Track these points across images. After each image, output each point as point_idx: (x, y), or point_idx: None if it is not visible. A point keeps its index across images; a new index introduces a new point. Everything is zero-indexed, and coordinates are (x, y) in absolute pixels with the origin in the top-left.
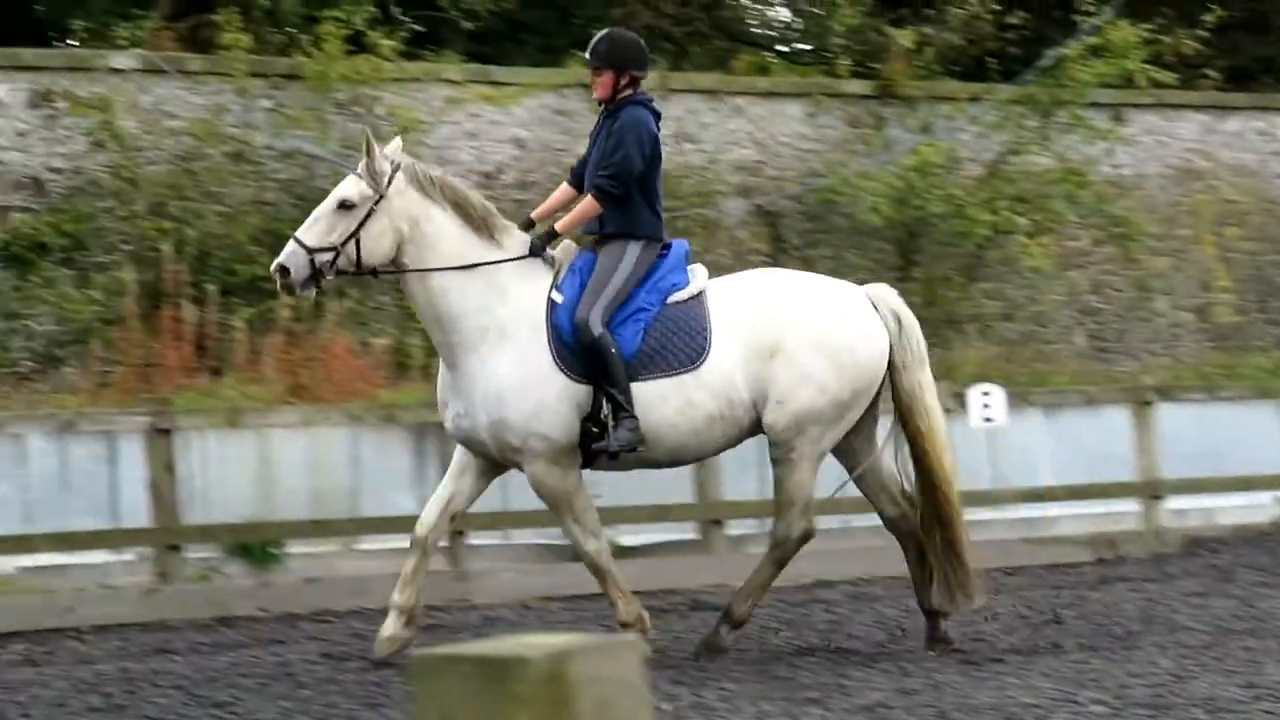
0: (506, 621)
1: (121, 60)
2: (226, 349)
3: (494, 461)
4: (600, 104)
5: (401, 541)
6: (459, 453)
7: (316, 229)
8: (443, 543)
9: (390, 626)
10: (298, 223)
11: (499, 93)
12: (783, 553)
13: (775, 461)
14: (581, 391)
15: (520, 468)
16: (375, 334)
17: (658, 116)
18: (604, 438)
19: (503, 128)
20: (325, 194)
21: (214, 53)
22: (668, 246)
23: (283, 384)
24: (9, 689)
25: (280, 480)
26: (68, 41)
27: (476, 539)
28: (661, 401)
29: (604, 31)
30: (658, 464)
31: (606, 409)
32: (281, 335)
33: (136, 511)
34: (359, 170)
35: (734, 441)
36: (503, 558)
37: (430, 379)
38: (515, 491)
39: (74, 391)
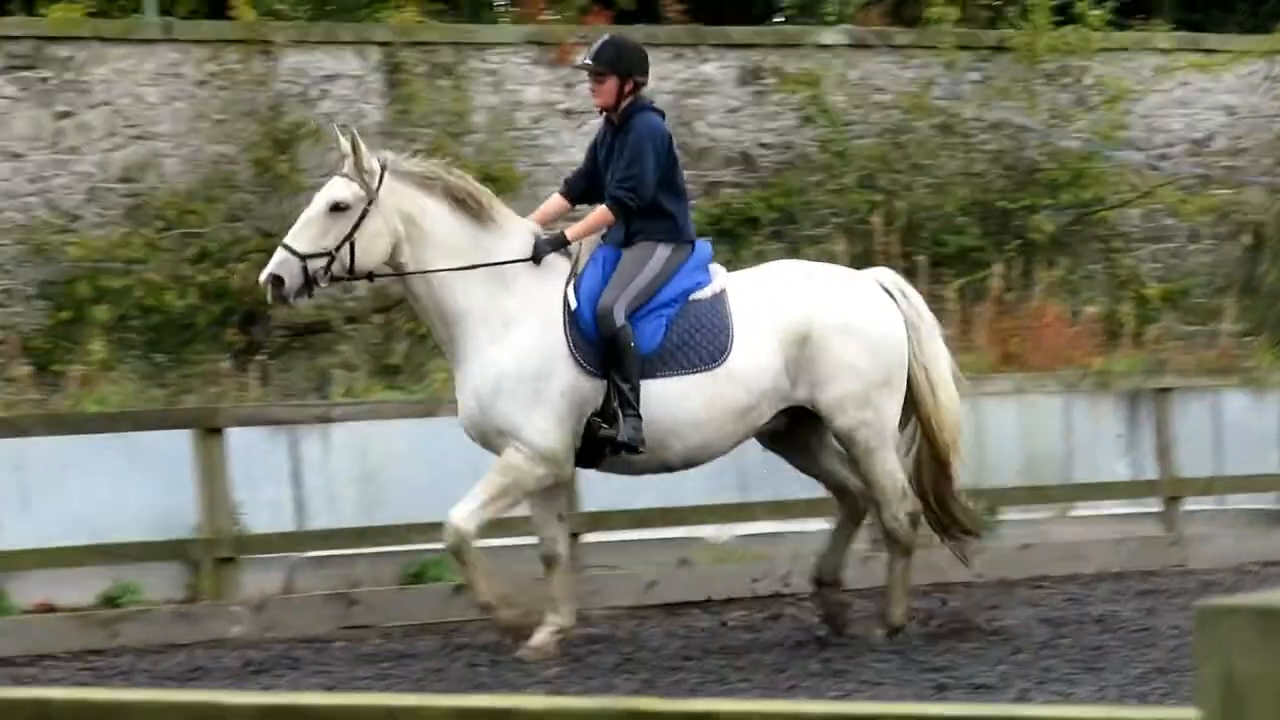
0: (1222, 586)
1: (830, 36)
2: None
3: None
4: (601, 111)
5: (1116, 508)
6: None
7: (308, 234)
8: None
9: (542, 635)
10: (1005, 194)
11: (1209, 60)
12: (905, 542)
13: (852, 459)
14: (592, 385)
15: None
16: (1086, 302)
17: (662, 117)
18: (612, 430)
19: (1212, 95)
20: (1033, 164)
21: (921, 26)
22: (692, 246)
23: (994, 353)
24: (730, 653)
25: (993, 447)
26: (775, 19)
27: (1192, 504)
28: (684, 399)
29: (605, 37)
30: (670, 466)
31: (615, 402)
32: (992, 305)
33: None
34: (346, 170)
35: (748, 436)
36: (1218, 523)
37: (1142, 346)
38: (1229, 456)
39: None
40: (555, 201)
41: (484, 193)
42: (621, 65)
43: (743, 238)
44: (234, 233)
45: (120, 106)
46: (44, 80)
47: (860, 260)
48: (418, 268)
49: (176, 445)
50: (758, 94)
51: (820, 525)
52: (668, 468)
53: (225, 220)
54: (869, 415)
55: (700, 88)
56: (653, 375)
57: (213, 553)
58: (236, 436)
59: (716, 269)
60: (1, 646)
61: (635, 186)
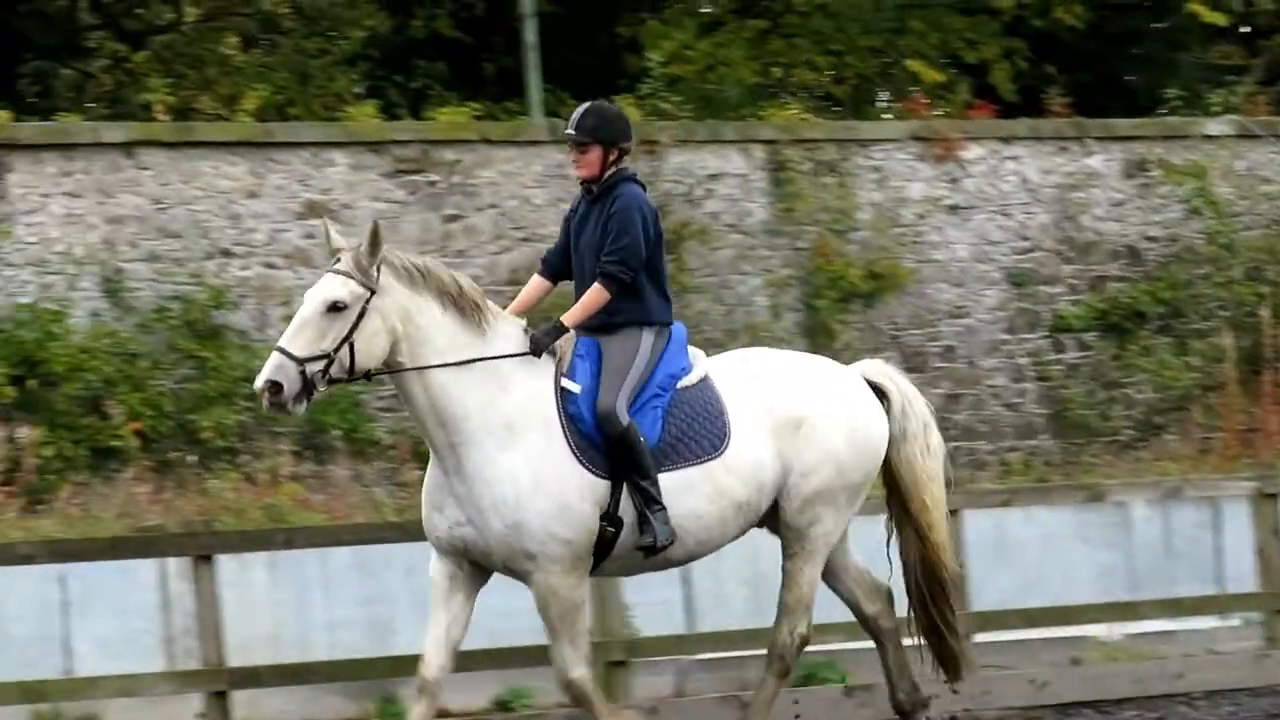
0: None
1: (1215, 127)
2: None
3: (482, 576)
4: (584, 183)
5: None
6: (441, 575)
7: (304, 336)
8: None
9: None
10: None
11: None
12: (786, 663)
13: (789, 556)
14: (601, 487)
15: (525, 579)
16: None
17: (644, 189)
18: (637, 534)
19: None
20: None
21: None
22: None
23: None
24: None
25: None
26: (1160, 111)
27: None
28: (688, 491)
29: (586, 105)
30: (670, 563)
31: (637, 502)
32: None
33: (1242, 576)
34: (343, 268)
35: (743, 532)
36: None
37: None
38: None
39: (1175, 459)
40: (536, 284)
41: (476, 289)
42: (605, 134)
43: (1129, 332)
44: None
45: (507, 209)
46: (432, 184)
47: (1249, 354)
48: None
49: None
50: (1143, 186)
51: (1211, 623)
52: (669, 565)
53: None
54: (830, 519)
55: (1085, 180)
56: (658, 469)
57: (605, 656)
58: None
59: (695, 353)
60: None
61: (626, 259)
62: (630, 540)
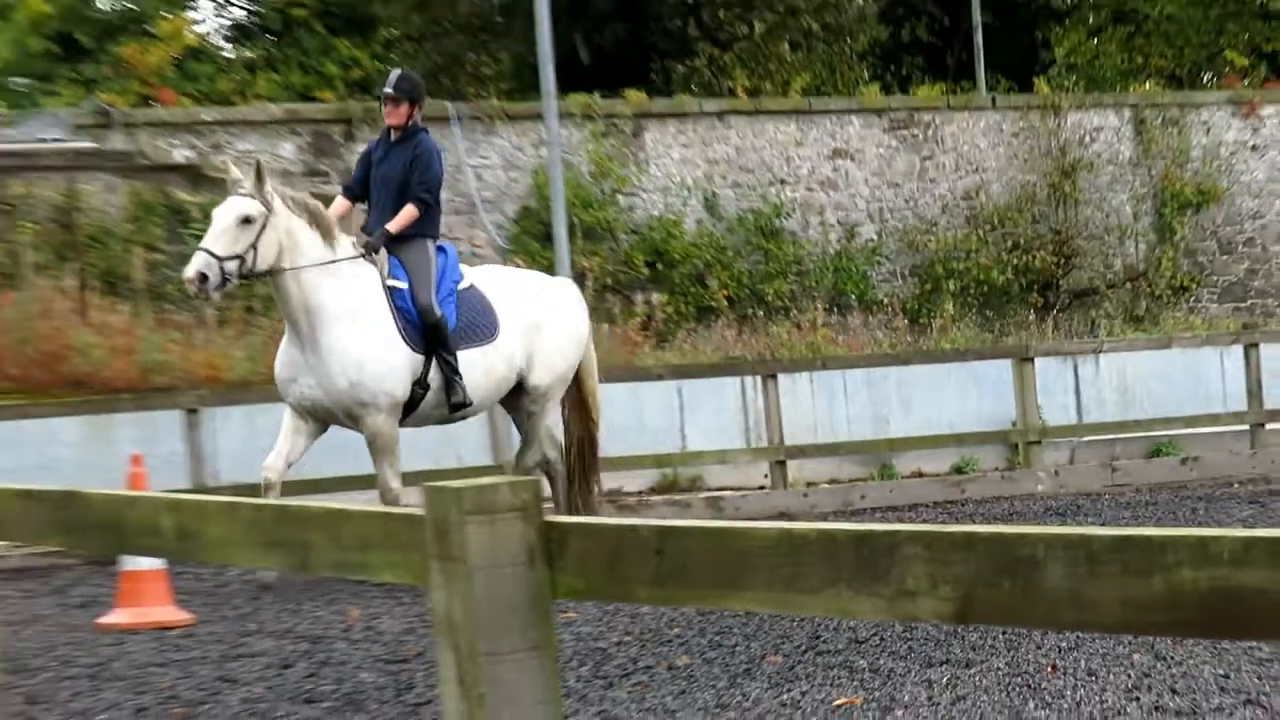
0: None
1: None
2: None
3: (321, 427)
4: (391, 130)
5: None
6: (291, 418)
7: (224, 240)
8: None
9: None
10: None
11: None
12: (547, 470)
13: (530, 413)
14: (417, 360)
15: (356, 426)
16: None
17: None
18: (443, 396)
19: None
20: None
21: None
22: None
23: None
24: None
25: None
26: None
27: None
28: (472, 366)
29: (399, 70)
30: (459, 418)
31: (446, 371)
32: None
33: None
34: (246, 192)
35: (494, 402)
36: None
37: None
38: None
39: None
40: (341, 204)
41: (328, 215)
42: (414, 94)
43: None
44: (1035, 231)
45: (963, 152)
46: (914, 135)
47: None
48: (293, 269)
49: (1001, 370)
50: None
51: None
52: (459, 419)
53: (1030, 223)
54: (555, 389)
55: None
56: (456, 348)
57: (1024, 438)
58: (1040, 364)
59: (465, 268)
60: (891, 499)
61: (431, 188)
62: (434, 400)
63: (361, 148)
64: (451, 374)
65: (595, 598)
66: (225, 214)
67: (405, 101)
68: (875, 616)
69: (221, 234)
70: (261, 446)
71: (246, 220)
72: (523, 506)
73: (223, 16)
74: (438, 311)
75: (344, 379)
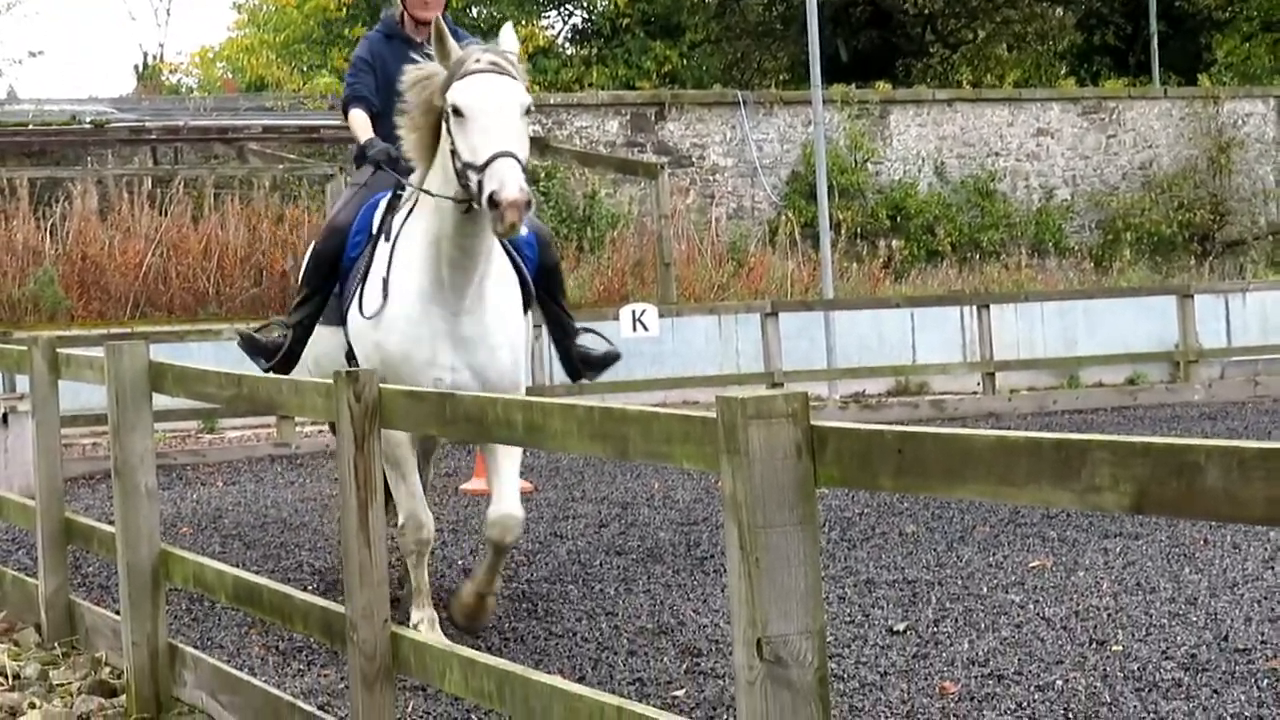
0: None
1: None
2: None
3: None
4: (416, 24)
5: None
6: (408, 444)
7: (523, 140)
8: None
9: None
10: None
11: None
12: None
13: None
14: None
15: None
16: None
17: None
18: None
19: None
20: None
21: None
22: None
23: None
24: None
25: None
26: None
27: None
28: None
29: None
30: None
31: (557, 334)
32: None
33: None
34: (514, 72)
35: None
36: None
37: None
38: None
39: None
40: (367, 120)
41: None
42: None
43: None
44: (1196, 195)
45: (1140, 132)
46: (1101, 119)
47: None
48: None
49: (1166, 304)
50: None
51: None
52: None
53: (1192, 188)
54: None
55: None
56: None
57: (1185, 358)
58: (1198, 299)
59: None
60: (1077, 404)
61: None
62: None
63: (672, 127)
64: (564, 335)
65: (849, 485)
66: (510, 99)
67: None
68: (1069, 506)
69: (517, 130)
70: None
71: (528, 111)
72: (793, 413)
73: (565, 22)
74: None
75: (509, 352)
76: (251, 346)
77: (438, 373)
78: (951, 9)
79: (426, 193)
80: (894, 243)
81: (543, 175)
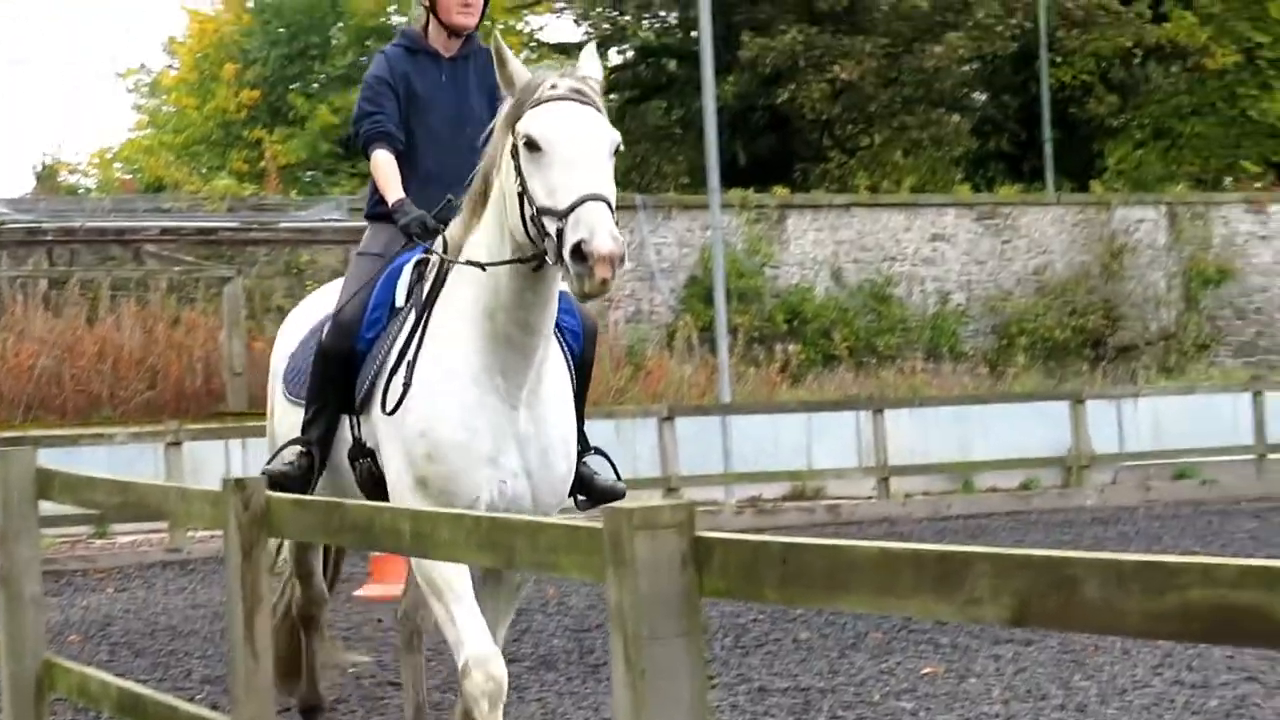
0: None
1: None
2: None
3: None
4: (448, 33)
5: None
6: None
7: (613, 186)
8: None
9: None
10: None
11: None
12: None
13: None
14: None
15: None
16: None
17: None
18: None
19: None
20: None
21: None
22: None
23: None
24: None
25: None
26: None
27: None
28: None
29: None
30: None
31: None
32: None
33: None
34: (598, 104)
35: None
36: None
37: None
38: None
39: None
40: (393, 160)
41: None
42: None
43: None
44: (1089, 300)
45: (1034, 237)
46: (996, 224)
47: None
48: None
49: (1060, 409)
50: None
51: None
52: None
53: (1085, 294)
54: None
55: None
56: None
57: (1078, 463)
58: (1090, 405)
59: None
60: (971, 509)
61: None
62: None
63: None
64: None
65: (734, 596)
66: (597, 133)
67: None
68: (950, 619)
69: (606, 171)
70: None
71: (616, 153)
72: (679, 523)
73: None
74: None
75: (564, 461)
76: (283, 489)
77: (502, 475)
78: (849, 115)
79: (477, 266)
80: (790, 347)
81: None
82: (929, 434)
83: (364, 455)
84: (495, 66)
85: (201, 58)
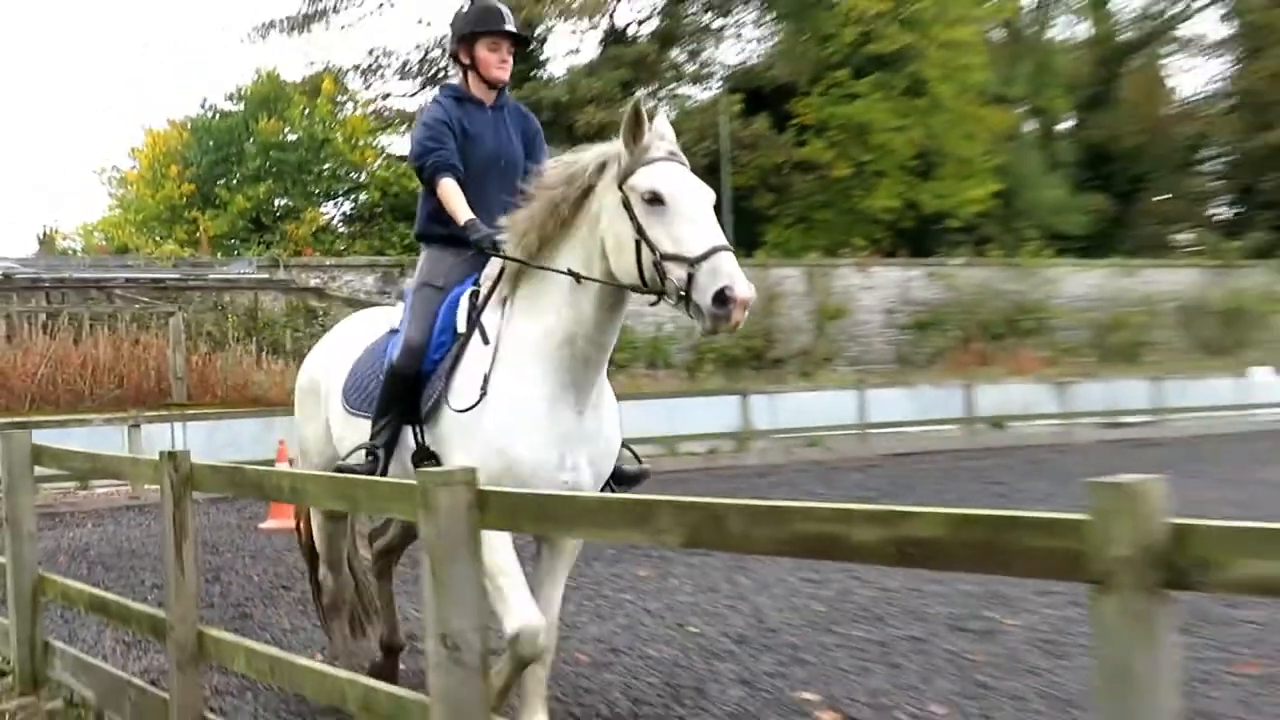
0: None
1: None
2: None
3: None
4: (488, 85)
5: None
6: (510, 547)
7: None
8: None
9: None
10: None
11: None
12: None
13: None
14: None
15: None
16: None
17: None
18: None
19: None
20: None
21: None
22: None
23: None
24: None
25: None
26: None
27: None
28: None
29: (496, 3)
30: None
31: None
32: None
33: None
34: (683, 159)
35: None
36: None
37: None
38: None
39: None
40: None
41: None
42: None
43: None
44: (755, 329)
45: None
46: None
47: None
48: None
49: (734, 400)
50: None
51: None
52: None
53: (751, 325)
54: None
55: None
56: None
57: (745, 436)
58: (753, 398)
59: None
60: (676, 466)
61: None
62: None
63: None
64: None
65: (505, 529)
66: (707, 192)
67: (514, 44)
68: (646, 544)
69: (718, 224)
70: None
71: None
72: (467, 481)
73: (338, 209)
74: None
75: (615, 455)
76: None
77: (565, 475)
78: None
79: (622, 286)
80: None
81: (320, 313)
82: (650, 418)
83: (428, 459)
84: (631, 124)
85: (155, 161)
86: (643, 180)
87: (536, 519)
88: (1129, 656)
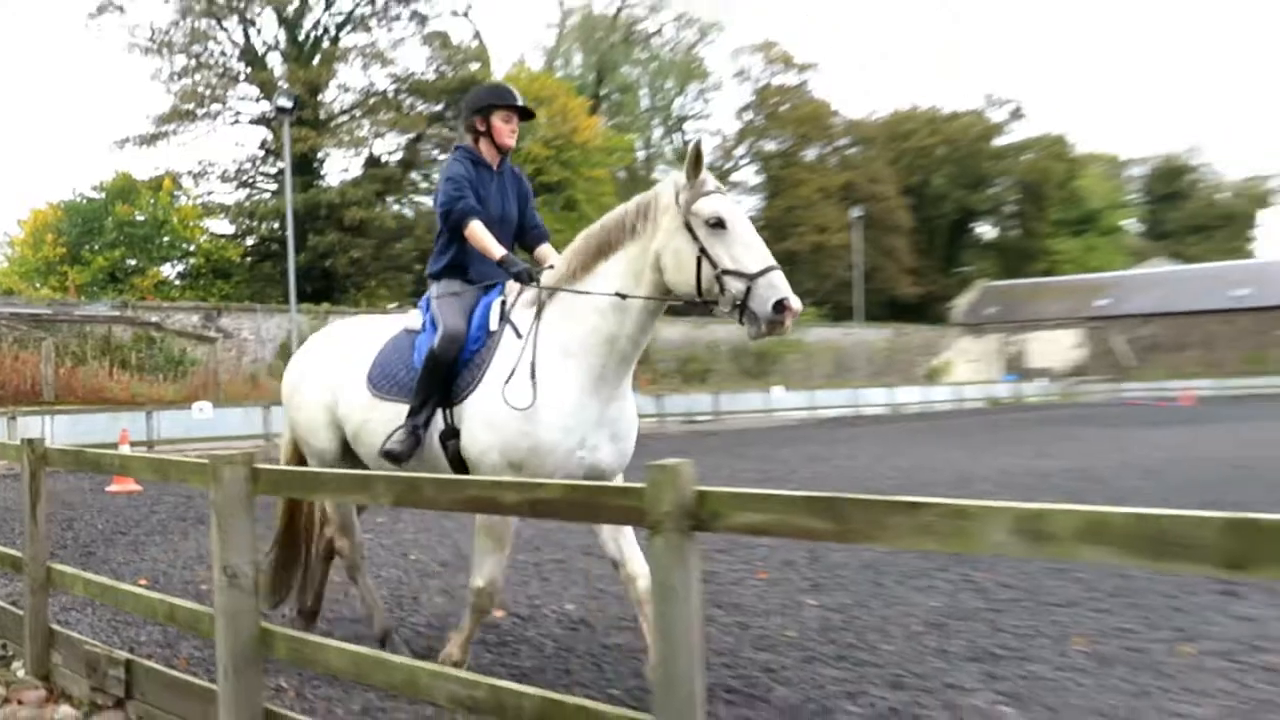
0: None
1: None
2: None
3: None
4: (497, 150)
5: None
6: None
7: None
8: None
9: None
10: None
11: None
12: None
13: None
14: None
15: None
16: None
17: None
18: None
19: None
20: None
21: None
22: None
23: None
24: None
25: None
26: None
27: None
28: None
29: (506, 83)
30: None
31: None
32: None
33: None
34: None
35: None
36: None
37: None
38: None
39: None
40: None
41: None
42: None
43: None
44: None
45: None
46: None
47: None
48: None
49: None
50: None
51: None
52: None
53: None
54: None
55: None
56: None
57: None
58: None
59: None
60: None
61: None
62: None
63: (225, 321)
64: None
65: (273, 495)
66: (746, 220)
67: (521, 117)
68: (370, 502)
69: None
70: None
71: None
72: (245, 461)
73: (174, 268)
74: None
75: (634, 436)
76: (394, 460)
77: (581, 453)
78: (377, 265)
79: (667, 299)
80: None
81: (158, 340)
82: None
83: (453, 437)
84: (692, 163)
85: (36, 229)
86: (705, 207)
87: (299, 488)
88: (670, 577)
